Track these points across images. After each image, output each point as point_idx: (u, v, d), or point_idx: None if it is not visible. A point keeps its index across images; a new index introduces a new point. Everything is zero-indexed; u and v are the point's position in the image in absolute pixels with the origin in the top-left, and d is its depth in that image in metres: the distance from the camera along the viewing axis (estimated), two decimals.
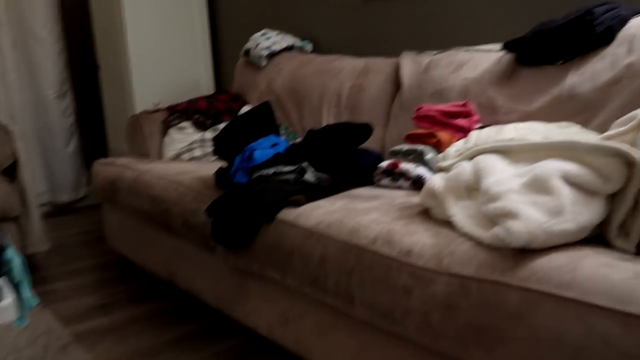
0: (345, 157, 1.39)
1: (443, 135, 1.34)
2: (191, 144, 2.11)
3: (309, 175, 1.30)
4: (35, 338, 1.48)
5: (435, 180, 1.01)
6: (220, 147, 1.49)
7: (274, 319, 1.29)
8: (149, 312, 1.71)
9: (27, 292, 0.98)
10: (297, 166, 1.33)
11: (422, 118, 1.42)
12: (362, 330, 1.06)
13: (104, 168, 1.96)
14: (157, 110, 2.29)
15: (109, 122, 2.99)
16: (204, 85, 2.91)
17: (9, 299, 0.84)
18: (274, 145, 1.43)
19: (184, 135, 2.15)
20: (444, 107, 1.42)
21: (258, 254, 1.23)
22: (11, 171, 1.97)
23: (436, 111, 1.41)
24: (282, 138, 1.51)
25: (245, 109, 2.28)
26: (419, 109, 1.44)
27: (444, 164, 1.07)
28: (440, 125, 1.39)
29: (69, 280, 2.01)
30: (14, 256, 0.97)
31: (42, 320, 1.62)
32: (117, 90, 2.82)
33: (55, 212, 3.00)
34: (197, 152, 2.08)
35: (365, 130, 1.43)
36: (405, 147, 1.34)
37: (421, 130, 1.37)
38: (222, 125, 2.17)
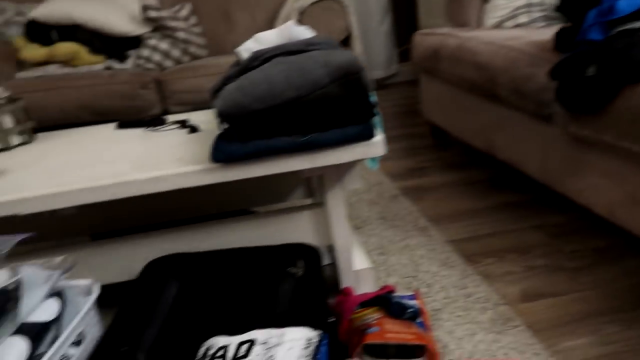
0: None
1: None
2: (515, 9, 1.93)
3: None
4: (370, 187, 1.72)
5: None
6: (569, 1, 1.30)
7: (618, 198, 1.14)
8: (464, 179, 1.76)
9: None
10: None
11: None
12: None
13: (425, 38, 1.99)
14: None
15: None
16: None
17: (381, 135, 0.94)
18: None
19: (507, 1, 1.98)
20: None
21: (614, 121, 1.07)
22: (344, 45, 2.21)
23: None
24: None
25: None
26: None
27: None
28: None
29: (390, 145, 2.23)
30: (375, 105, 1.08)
31: (374, 174, 1.86)
32: None
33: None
34: (523, 19, 1.90)
35: None
36: None
37: None
38: None
